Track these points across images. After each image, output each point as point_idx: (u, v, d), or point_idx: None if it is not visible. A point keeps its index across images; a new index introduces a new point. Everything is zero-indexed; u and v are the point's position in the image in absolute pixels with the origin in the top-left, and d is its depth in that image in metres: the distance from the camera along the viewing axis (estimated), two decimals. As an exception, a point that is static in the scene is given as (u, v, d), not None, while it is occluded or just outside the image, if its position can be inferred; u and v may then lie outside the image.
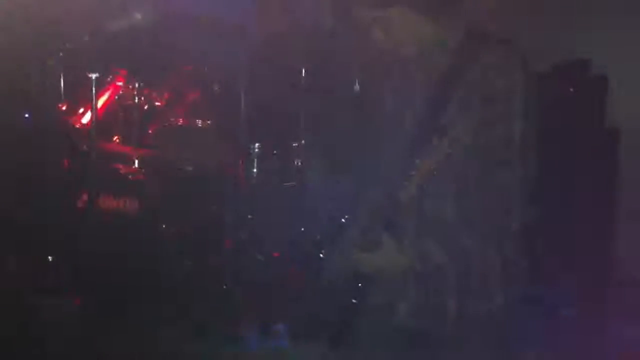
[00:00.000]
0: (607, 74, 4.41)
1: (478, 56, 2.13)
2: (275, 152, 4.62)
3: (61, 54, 4.20)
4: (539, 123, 2.17)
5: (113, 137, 4.53)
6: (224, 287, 4.31)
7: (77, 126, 4.30)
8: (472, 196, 2.16)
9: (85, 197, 4.18)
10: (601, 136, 4.35)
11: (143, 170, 4.31)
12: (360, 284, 2.30)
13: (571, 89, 4.34)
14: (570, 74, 4.46)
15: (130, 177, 4.24)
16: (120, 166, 4.30)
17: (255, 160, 4.54)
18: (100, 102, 4.22)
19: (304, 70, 4.54)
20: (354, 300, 2.28)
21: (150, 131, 4.41)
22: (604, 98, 4.38)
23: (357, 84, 4.63)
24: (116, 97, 4.35)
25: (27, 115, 4.30)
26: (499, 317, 2.22)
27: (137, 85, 4.34)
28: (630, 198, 4.39)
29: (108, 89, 4.36)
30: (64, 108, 4.30)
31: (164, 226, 4.30)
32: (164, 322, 3.97)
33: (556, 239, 4.06)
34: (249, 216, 4.55)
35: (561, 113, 4.17)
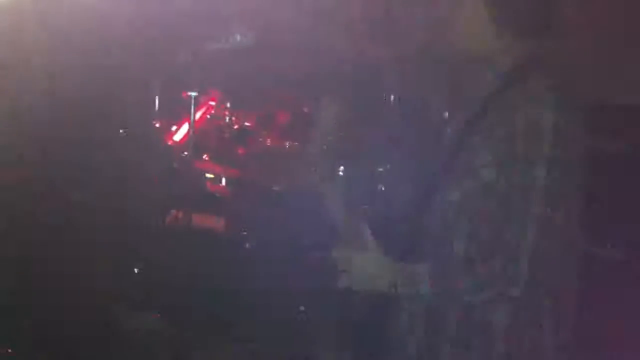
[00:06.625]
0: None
1: (519, 82, 1.85)
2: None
3: (158, 72, 4.29)
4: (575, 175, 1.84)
5: (203, 155, 4.60)
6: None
7: (170, 143, 4.39)
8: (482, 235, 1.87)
9: (174, 213, 4.24)
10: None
11: (231, 189, 4.37)
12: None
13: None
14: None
15: (217, 195, 4.30)
16: (209, 184, 4.36)
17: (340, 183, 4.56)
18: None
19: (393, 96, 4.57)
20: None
21: (239, 151, 4.47)
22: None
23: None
24: (208, 116, 4.43)
25: (122, 131, 4.39)
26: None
27: (228, 105, 4.41)
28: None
29: (201, 108, 4.45)
30: (157, 125, 4.39)
31: (247, 245, 4.33)
32: (242, 340, 3.99)
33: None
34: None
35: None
